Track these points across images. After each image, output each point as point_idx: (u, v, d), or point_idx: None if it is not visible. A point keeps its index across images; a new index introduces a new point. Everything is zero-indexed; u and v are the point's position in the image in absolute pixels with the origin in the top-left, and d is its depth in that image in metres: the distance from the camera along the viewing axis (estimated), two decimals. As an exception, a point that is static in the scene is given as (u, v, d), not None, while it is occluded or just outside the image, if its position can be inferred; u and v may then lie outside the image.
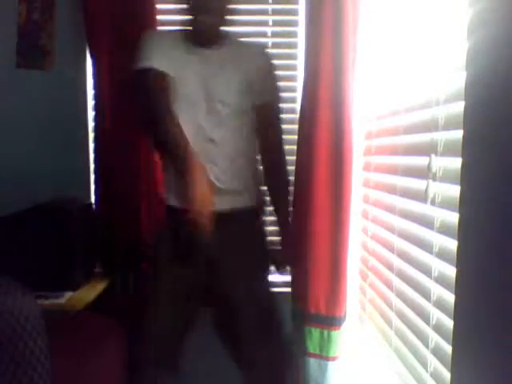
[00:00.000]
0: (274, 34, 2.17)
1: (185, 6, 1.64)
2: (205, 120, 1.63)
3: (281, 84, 2.16)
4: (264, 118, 1.74)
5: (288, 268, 1.82)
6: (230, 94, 1.64)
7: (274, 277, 2.20)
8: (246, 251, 1.67)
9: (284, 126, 2.17)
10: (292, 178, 1.89)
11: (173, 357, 1.67)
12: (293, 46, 2.16)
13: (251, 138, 1.74)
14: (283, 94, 2.16)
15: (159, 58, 1.61)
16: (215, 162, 1.63)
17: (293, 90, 2.16)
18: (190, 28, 1.67)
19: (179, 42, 1.67)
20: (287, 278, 1.94)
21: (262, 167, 1.82)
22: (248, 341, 1.66)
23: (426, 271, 1.23)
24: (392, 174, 1.58)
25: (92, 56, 2.05)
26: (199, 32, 1.65)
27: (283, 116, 2.17)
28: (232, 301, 1.66)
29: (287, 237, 1.81)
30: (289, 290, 1.88)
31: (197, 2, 1.61)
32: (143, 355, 1.63)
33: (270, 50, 2.16)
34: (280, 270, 1.83)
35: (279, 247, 1.82)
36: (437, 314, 1.18)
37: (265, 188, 1.84)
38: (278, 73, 1.83)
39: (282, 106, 1.84)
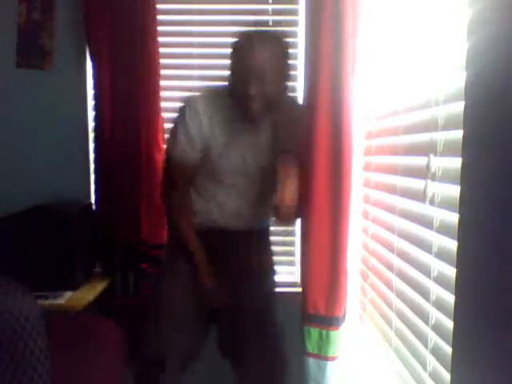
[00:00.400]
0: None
1: (229, 69, 1.56)
2: (239, 181, 1.70)
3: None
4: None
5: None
6: (265, 164, 1.67)
7: (275, 277, 2.21)
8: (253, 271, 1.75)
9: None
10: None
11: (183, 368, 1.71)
12: (293, 46, 2.15)
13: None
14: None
15: (196, 144, 1.62)
16: (241, 210, 1.73)
17: (293, 90, 2.16)
18: (235, 97, 1.58)
19: (222, 107, 1.62)
20: (287, 278, 1.95)
21: None
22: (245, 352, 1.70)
23: (426, 271, 1.23)
24: (392, 174, 1.58)
25: (92, 56, 2.05)
26: (245, 106, 1.55)
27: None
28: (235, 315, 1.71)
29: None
30: (289, 290, 1.88)
31: (241, 93, 1.51)
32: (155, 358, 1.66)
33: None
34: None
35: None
36: (436, 314, 1.18)
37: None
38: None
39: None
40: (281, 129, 1.67)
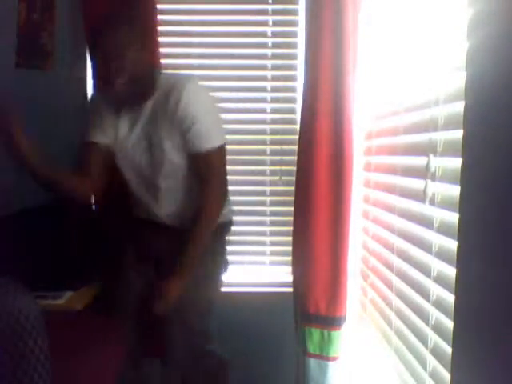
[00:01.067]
0: (274, 34, 2.17)
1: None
2: (143, 175, 1.68)
3: (281, 84, 2.18)
4: (200, 168, 1.63)
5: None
6: (162, 153, 1.61)
7: (275, 277, 2.21)
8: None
9: (284, 127, 2.18)
10: (293, 179, 1.89)
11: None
12: (293, 45, 2.15)
13: (194, 182, 1.68)
14: (284, 95, 2.18)
15: (97, 132, 1.68)
16: (160, 206, 1.71)
17: (293, 90, 2.16)
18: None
19: (111, 105, 1.66)
20: (288, 278, 1.94)
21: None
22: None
23: (426, 271, 1.23)
24: (392, 174, 1.58)
25: (92, 56, 2.05)
26: (117, 98, 1.60)
27: (283, 116, 2.18)
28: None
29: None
30: (290, 290, 1.88)
31: (99, 71, 1.58)
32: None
33: (269, 51, 2.17)
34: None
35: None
36: (436, 314, 1.18)
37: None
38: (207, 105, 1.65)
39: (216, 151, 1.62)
40: (180, 125, 1.58)
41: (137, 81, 1.55)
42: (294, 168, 1.89)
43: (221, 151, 1.63)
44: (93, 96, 1.84)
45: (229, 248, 1.83)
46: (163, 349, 1.73)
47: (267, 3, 2.14)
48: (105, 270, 1.88)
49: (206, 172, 1.61)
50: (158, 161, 1.63)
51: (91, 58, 1.67)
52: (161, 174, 1.65)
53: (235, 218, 1.87)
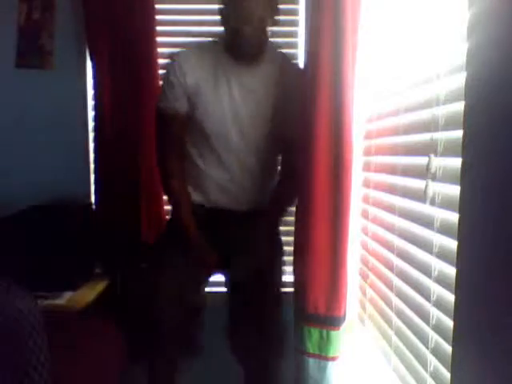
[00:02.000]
0: (274, 34, 2.16)
1: (221, 15, 1.56)
2: (233, 142, 1.64)
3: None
4: (290, 147, 1.71)
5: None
6: (262, 121, 1.63)
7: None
8: (260, 242, 1.74)
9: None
10: (293, 179, 1.89)
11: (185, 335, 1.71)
12: (293, 45, 2.15)
13: (275, 159, 1.76)
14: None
15: (181, 96, 1.60)
16: (241, 182, 1.70)
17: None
18: (228, 41, 1.59)
19: (213, 57, 1.60)
20: (288, 278, 1.94)
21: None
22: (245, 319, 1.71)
23: (426, 271, 1.23)
24: (392, 174, 1.58)
25: (92, 56, 2.05)
26: (238, 46, 1.55)
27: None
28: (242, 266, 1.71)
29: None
30: (290, 290, 1.88)
31: (236, 11, 1.50)
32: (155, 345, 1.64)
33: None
34: None
35: None
36: (437, 314, 1.18)
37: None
38: None
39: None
40: (288, 106, 1.62)
41: (260, 34, 1.54)
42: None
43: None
44: (178, 54, 1.66)
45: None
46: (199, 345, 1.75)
47: (267, 3, 2.14)
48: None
49: (292, 158, 1.67)
50: (260, 132, 1.62)
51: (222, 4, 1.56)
52: (257, 148, 1.65)
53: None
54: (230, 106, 1.61)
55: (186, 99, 1.61)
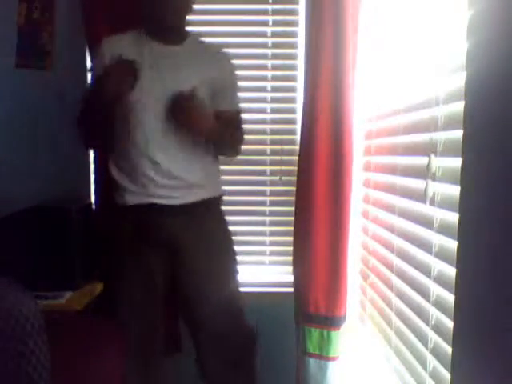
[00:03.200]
0: (274, 34, 2.17)
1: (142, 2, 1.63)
2: (162, 119, 1.61)
3: (281, 84, 2.18)
4: (227, 125, 1.71)
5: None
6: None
7: (275, 277, 2.21)
8: (209, 239, 1.70)
9: (284, 127, 2.18)
10: (293, 179, 1.89)
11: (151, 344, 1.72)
12: (293, 45, 2.15)
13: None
14: (284, 95, 2.18)
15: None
16: (175, 159, 1.64)
17: (293, 89, 2.16)
18: (149, 23, 1.65)
19: (138, 40, 1.65)
20: (288, 278, 1.94)
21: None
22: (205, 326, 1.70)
23: (426, 271, 1.23)
24: (392, 174, 1.58)
25: (92, 56, 2.05)
26: (157, 27, 1.63)
27: (283, 116, 2.18)
28: (194, 287, 1.69)
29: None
30: (290, 290, 1.88)
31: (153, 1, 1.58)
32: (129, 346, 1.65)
33: (269, 51, 2.17)
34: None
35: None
36: (436, 314, 1.18)
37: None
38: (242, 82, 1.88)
39: (242, 115, 1.82)
40: (215, 81, 1.67)
41: (182, 20, 1.63)
42: (294, 168, 1.89)
43: (241, 117, 1.80)
44: (105, 41, 1.70)
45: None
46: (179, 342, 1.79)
47: (267, 3, 2.14)
48: (107, 267, 1.85)
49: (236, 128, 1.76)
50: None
51: None
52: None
53: (235, 218, 1.87)
54: (152, 81, 1.60)
55: None
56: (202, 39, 1.77)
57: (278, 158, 2.18)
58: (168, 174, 1.63)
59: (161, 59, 1.63)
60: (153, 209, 1.64)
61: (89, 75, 2.11)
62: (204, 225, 1.70)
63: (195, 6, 2.14)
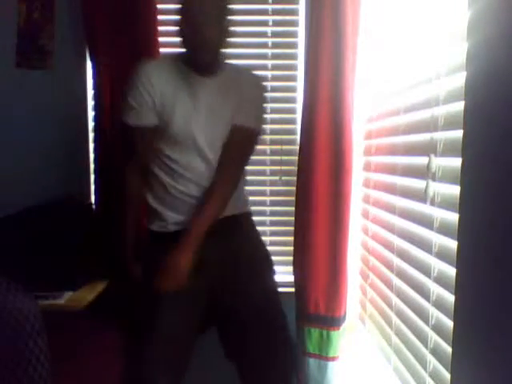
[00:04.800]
0: (274, 34, 2.16)
1: (180, 38, 1.57)
2: (200, 144, 1.60)
3: (281, 84, 2.18)
4: (231, 138, 1.62)
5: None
6: (225, 125, 1.61)
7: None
8: (247, 256, 1.64)
9: (284, 127, 2.18)
10: (293, 179, 1.89)
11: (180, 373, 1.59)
12: (293, 46, 2.15)
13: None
14: (284, 95, 2.18)
15: (150, 110, 1.57)
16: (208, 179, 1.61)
17: (293, 90, 2.16)
18: (186, 56, 1.60)
19: (175, 69, 1.61)
20: (288, 278, 1.94)
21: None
22: (254, 356, 1.58)
23: (426, 271, 1.23)
24: (392, 174, 1.58)
25: (92, 56, 2.05)
26: (195, 65, 1.58)
27: (283, 116, 2.18)
28: (237, 311, 1.59)
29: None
30: (290, 290, 1.88)
31: (193, 39, 1.53)
32: (149, 360, 1.54)
33: (269, 51, 2.17)
34: None
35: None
36: (436, 314, 1.18)
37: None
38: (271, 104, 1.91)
39: (260, 137, 1.73)
40: (240, 100, 1.62)
41: (218, 52, 1.58)
42: (294, 168, 1.89)
43: (254, 136, 1.66)
44: (143, 65, 1.62)
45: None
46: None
47: (267, 3, 2.14)
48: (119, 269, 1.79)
49: (234, 146, 1.61)
50: (221, 138, 1.59)
51: (178, 25, 1.55)
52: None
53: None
54: (194, 114, 1.60)
55: (154, 112, 1.58)
56: (236, 65, 1.75)
57: (277, 157, 2.18)
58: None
59: (200, 92, 1.60)
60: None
61: (89, 75, 2.12)
62: (240, 241, 1.65)
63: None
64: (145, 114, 1.58)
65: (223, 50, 1.61)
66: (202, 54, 1.55)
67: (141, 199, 1.69)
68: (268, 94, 2.17)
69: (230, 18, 1.58)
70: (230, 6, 1.58)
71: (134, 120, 1.60)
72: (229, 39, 1.61)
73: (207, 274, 1.57)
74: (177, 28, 1.56)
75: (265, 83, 1.75)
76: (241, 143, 1.62)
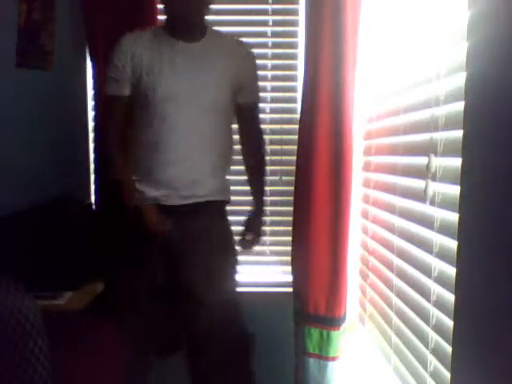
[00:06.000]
0: (274, 34, 2.17)
1: (164, 3, 1.64)
2: (187, 115, 1.63)
3: (281, 84, 2.18)
4: (247, 117, 1.81)
5: (253, 246, 1.89)
6: (213, 90, 1.65)
7: (275, 277, 2.21)
8: (211, 244, 1.70)
9: (284, 126, 2.18)
10: (292, 179, 1.89)
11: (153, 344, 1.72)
12: (293, 46, 2.15)
13: (229, 132, 1.76)
14: (283, 94, 2.18)
15: (126, 79, 1.64)
16: (192, 155, 1.65)
17: (293, 90, 2.16)
18: (170, 21, 1.67)
19: (158, 38, 1.66)
20: (288, 278, 1.94)
21: (244, 162, 1.90)
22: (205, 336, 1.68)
23: (426, 271, 1.23)
24: (392, 173, 1.58)
25: (92, 56, 2.05)
26: (178, 24, 1.64)
27: (283, 116, 2.19)
28: (194, 293, 1.67)
29: (259, 218, 1.90)
30: (290, 290, 1.88)
31: (178, 2, 1.59)
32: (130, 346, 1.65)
33: (269, 51, 2.17)
34: (246, 248, 1.88)
35: (250, 227, 1.87)
36: (436, 314, 1.18)
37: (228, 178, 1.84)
38: (266, 72, 2.01)
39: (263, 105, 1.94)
40: (238, 74, 1.69)
41: (205, 12, 1.65)
42: (294, 168, 1.89)
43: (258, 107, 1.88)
44: (124, 37, 1.67)
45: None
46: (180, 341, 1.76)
47: (267, 3, 2.14)
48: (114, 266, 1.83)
49: (254, 121, 1.85)
50: (208, 100, 1.64)
51: None
52: (207, 116, 1.65)
53: (235, 218, 1.87)
54: (177, 78, 1.63)
55: (129, 81, 1.65)
56: (220, 31, 1.79)
57: (277, 157, 2.18)
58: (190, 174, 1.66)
59: (182, 57, 1.64)
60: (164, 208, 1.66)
61: (89, 75, 2.12)
62: (206, 229, 1.70)
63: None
64: (121, 82, 1.65)
65: (205, 17, 1.68)
66: (186, 17, 1.60)
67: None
68: (268, 94, 2.18)
69: None
70: None
71: (111, 88, 1.68)
72: (210, 5, 1.67)
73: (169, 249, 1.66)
74: None
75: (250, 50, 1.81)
76: (258, 118, 1.87)
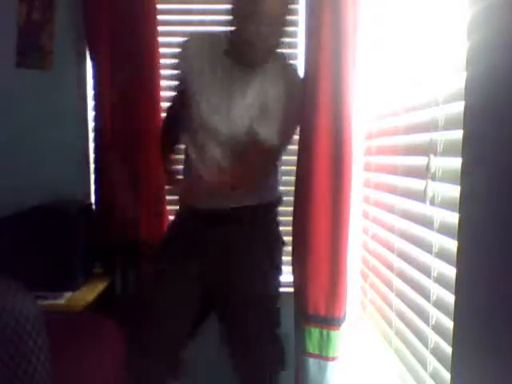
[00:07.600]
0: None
1: (230, 13, 1.54)
2: (222, 145, 1.66)
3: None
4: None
5: None
6: (250, 119, 1.64)
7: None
8: (253, 249, 1.72)
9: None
10: (293, 179, 1.89)
11: (176, 356, 1.70)
12: (293, 46, 2.15)
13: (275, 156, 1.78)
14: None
15: (190, 81, 1.65)
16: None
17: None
18: (234, 40, 1.58)
19: (215, 51, 1.62)
20: (288, 278, 1.94)
21: None
22: (243, 339, 1.69)
23: (426, 271, 1.23)
24: (392, 174, 1.58)
25: (92, 56, 2.05)
26: (243, 46, 1.53)
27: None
28: (232, 299, 1.68)
29: None
30: (290, 290, 1.88)
31: (244, 7, 1.47)
32: (146, 353, 1.64)
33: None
34: None
35: None
36: (436, 314, 1.18)
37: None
38: None
39: None
40: (273, 89, 1.64)
41: (265, 52, 1.56)
42: (294, 168, 1.88)
43: None
44: (188, 41, 1.68)
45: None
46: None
47: (267, 3, 2.14)
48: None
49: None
50: (255, 132, 1.63)
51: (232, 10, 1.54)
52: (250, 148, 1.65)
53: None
54: (224, 103, 1.63)
55: (187, 85, 1.68)
56: (287, 61, 1.75)
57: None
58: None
59: (232, 83, 1.62)
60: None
61: (89, 75, 2.12)
62: (249, 234, 1.74)
63: (195, 6, 2.16)
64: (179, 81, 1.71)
65: (273, 50, 1.61)
66: (247, 52, 1.54)
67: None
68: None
69: (286, 21, 1.56)
70: (291, 6, 1.58)
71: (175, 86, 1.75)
72: (282, 40, 1.60)
73: (204, 261, 1.67)
74: (230, 9, 1.54)
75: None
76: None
